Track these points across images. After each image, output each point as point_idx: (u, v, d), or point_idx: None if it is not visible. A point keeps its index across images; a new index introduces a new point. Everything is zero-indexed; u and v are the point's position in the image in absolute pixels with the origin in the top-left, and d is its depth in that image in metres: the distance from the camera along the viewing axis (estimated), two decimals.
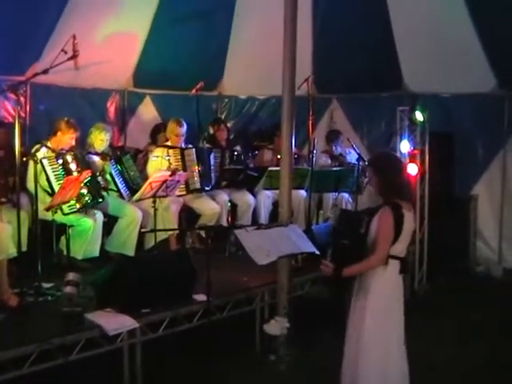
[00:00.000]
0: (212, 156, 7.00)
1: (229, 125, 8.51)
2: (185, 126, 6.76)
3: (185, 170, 6.60)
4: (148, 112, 8.49)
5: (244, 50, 8.14)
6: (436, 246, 7.26)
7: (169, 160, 6.58)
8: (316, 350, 5.16)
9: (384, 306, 3.69)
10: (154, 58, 7.79)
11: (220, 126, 7.69)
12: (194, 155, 6.77)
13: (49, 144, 5.83)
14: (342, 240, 3.76)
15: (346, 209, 7.05)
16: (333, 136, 8.05)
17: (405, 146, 7.12)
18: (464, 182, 7.97)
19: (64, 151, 5.77)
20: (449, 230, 7.58)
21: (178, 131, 6.72)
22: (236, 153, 7.32)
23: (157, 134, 7.50)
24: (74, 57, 4.94)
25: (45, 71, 4.85)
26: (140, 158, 7.28)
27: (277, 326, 4.75)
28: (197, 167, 6.73)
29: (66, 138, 5.86)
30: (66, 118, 5.92)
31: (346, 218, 4.04)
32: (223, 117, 8.96)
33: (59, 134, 5.86)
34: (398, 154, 6.94)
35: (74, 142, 5.94)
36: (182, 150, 6.73)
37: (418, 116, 7.00)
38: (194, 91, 7.68)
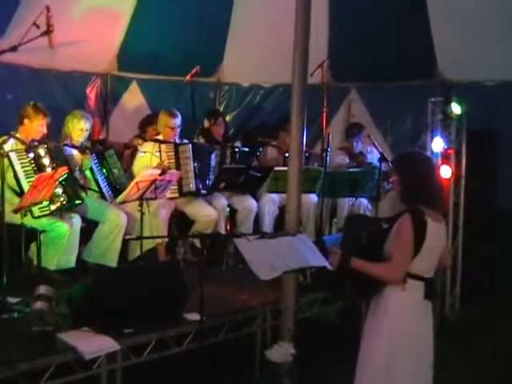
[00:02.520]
0: (213, 155, 7.06)
1: (229, 117, 8.62)
2: (179, 117, 6.84)
3: (178, 168, 6.67)
4: (134, 100, 8.59)
5: (247, 29, 8.21)
6: (472, 265, 7.24)
7: (160, 156, 6.67)
8: (325, 380, 5.22)
9: (404, 337, 3.62)
10: (142, 37, 7.88)
11: (217, 120, 7.71)
12: (190, 152, 6.82)
13: (17, 135, 5.80)
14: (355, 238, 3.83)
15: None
16: (354, 130, 8.02)
17: (437, 145, 7.13)
18: (509, 190, 7.89)
19: (36, 143, 5.78)
20: (489, 246, 7.55)
21: (171, 122, 6.79)
22: (237, 149, 7.40)
23: (147, 127, 7.57)
24: (49, 32, 4.97)
25: (13, 48, 4.86)
26: (127, 153, 7.35)
27: (280, 353, 4.78)
28: (192, 166, 6.80)
29: (36, 126, 5.85)
30: (32, 103, 5.89)
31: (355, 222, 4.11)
32: (222, 108, 9.07)
33: (26, 121, 5.83)
34: (429, 154, 6.99)
35: (45, 130, 5.94)
36: (177, 146, 6.80)
37: (454, 109, 7.01)
38: (188, 77, 7.75)
